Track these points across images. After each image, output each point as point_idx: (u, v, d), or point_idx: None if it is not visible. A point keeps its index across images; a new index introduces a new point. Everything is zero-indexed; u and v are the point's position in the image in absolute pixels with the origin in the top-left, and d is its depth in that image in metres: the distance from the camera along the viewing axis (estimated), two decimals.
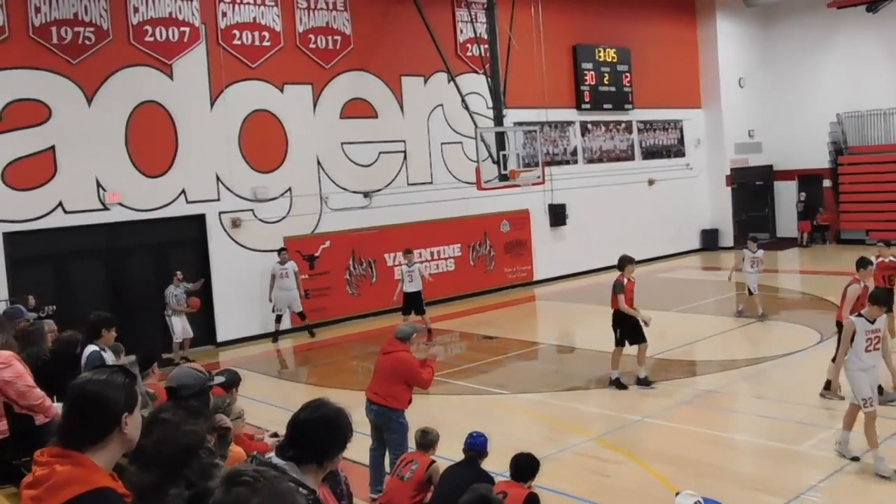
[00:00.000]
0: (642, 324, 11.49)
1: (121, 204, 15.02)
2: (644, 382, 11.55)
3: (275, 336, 16.40)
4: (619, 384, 11.56)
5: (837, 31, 26.34)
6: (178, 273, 14.82)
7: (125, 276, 15.38)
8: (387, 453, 7.96)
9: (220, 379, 5.08)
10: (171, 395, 4.48)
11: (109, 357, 6.80)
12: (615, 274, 11.71)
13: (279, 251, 16.32)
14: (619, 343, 11.68)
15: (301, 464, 3.18)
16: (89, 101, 14.69)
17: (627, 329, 11.60)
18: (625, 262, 11.71)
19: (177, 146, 15.70)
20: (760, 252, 15.93)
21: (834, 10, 25.19)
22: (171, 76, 15.63)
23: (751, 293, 15.68)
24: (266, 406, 10.60)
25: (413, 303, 15.85)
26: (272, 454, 3.31)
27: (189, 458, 3.73)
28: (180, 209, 15.80)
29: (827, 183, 27.03)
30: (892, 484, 7.66)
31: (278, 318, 16.31)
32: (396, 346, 8.07)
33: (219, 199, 16.28)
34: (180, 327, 14.73)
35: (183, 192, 15.78)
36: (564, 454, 9.01)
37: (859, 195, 26.06)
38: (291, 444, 3.25)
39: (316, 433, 3.21)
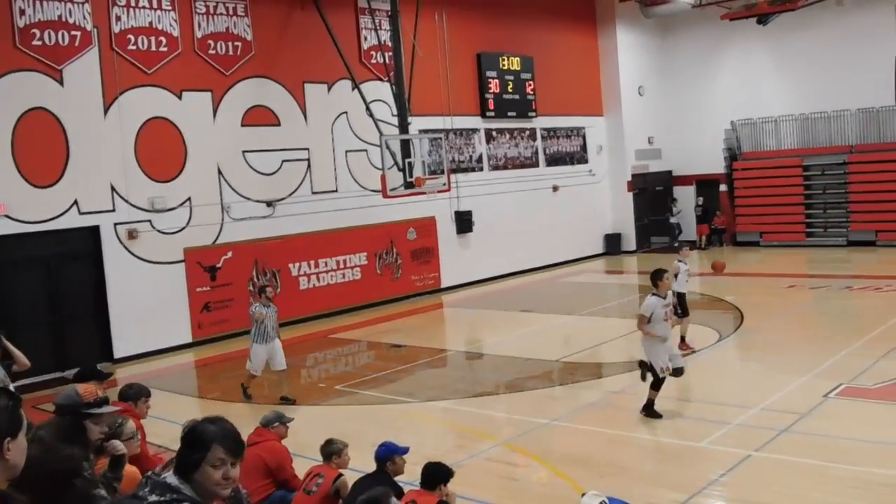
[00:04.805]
0: None
1: (7, 216, 14.28)
2: None
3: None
4: None
5: (730, 42, 27.39)
6: (269, 288, 12.49)
7: (13, 292, 14.60)
8: None
9: (107, 409, 4.78)
10: (56, 413, 4.28)
11: None
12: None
13: None
14: None
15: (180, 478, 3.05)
16: None
17: None
18: None
19: (68, 155, 15.02)
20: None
21: (727, 21, 26.12)
22: (61, 82, 14.95)
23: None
24: (165, 423, 10.19)
25: (680, 303, 13.87)
26: (168, 473, 3.14)
27: (63, 486, 3.49)
28: (72, 221, 15.12)
29: (723, 187, 28.04)
30: (789, 475, 7.89)
31: None
32: (264, 434, 7.25)
33: (114, 210, 15.65)
34: (261, 359, 11.99)
35: (75, 202, 15.11)
36: (474, 460, 8.96)
37: (753, 199, 27.12)
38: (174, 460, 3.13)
39: (181, 445, 3.11)
